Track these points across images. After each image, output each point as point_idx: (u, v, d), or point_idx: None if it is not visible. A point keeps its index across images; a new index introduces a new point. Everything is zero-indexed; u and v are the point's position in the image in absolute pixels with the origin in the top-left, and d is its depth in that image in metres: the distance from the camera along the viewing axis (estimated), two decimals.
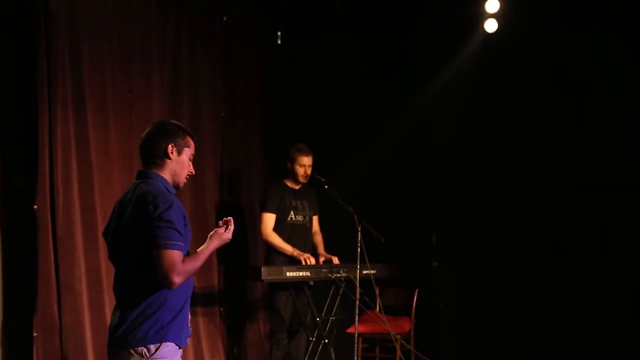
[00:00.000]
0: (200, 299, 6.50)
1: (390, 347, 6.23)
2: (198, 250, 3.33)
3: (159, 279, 3.13)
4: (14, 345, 5.14)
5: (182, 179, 3.40)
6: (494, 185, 6.67)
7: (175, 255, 3.13)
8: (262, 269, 5.68)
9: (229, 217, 3.43)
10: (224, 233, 3.39)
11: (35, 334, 5.14)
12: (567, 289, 6.25)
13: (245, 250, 6.95)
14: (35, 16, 5.21)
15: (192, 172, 3.45)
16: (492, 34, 6.67)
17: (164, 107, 6.19)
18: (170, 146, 3.33)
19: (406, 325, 6.27)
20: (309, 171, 6.07)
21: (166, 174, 3.35)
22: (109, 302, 5.42)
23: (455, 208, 6.87)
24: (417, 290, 6.39)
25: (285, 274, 5.73)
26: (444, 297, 6.94)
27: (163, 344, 3.18)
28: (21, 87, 5.27)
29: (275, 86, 7.44)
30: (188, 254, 3.29)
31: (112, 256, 3.41)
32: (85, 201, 5.48)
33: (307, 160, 6.07)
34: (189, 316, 3.42)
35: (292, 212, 6.11)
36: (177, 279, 3.13)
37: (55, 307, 5.23)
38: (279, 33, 7.66)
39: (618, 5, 6.07)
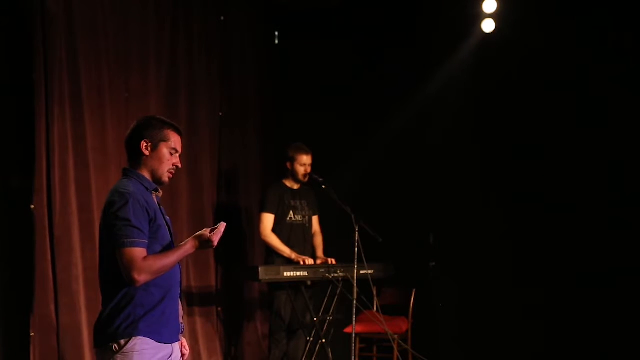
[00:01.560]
0: (198, 299, 6.50)
1: (387, 347, 6.22)
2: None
3: (123, 276, 3.12)
4: (11, 345, 5.13)
5: (163, 173, 3.34)
6: (492, 185, 6.67)
7: (134, 252, 3.09)
8: (260, 268, 5.68)
9: (221, 222, 3.29)
10: (208, 237, 3.24)
11: (32, 334, 5.14)
12: (565, 289, 6.25)
13: (243, 250, 6.95)
14: (33, 16, 5.21)
15: (176, 166, 3.38)
16: (489, 34, 6.67)
17: (161, 107, 6.18)
18: (143, 142, 3.31)
19: (403, 325, 6.26)
20: (309, 170, 6.06)
21: (144, 171, 3.33)
22: None
23: (453, 208, 6.87)
24: (414, 290, 6.38)
25: (283, 273, 5.72)
26: (442, 297, 6.93)
27: (133, 338, 3.13)
28: (18, 87, 5.25)
29: (272, 86, 7.43)
30: (169, 248, 3.24)
31: None
32: (83, 201, 5.47)
33: (307, 159, 6.06)
34: (181, 312, 3.40)
35: (291, 212, 6.10)
36: (139, 277, 3.08)
37: (52, 307, 5.22)
38: (276, 33, 7.65)
39: (616, 4, 6.07)
